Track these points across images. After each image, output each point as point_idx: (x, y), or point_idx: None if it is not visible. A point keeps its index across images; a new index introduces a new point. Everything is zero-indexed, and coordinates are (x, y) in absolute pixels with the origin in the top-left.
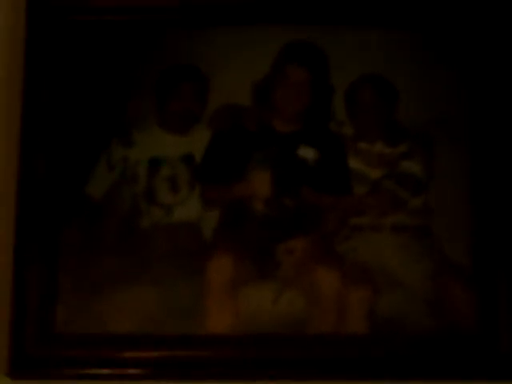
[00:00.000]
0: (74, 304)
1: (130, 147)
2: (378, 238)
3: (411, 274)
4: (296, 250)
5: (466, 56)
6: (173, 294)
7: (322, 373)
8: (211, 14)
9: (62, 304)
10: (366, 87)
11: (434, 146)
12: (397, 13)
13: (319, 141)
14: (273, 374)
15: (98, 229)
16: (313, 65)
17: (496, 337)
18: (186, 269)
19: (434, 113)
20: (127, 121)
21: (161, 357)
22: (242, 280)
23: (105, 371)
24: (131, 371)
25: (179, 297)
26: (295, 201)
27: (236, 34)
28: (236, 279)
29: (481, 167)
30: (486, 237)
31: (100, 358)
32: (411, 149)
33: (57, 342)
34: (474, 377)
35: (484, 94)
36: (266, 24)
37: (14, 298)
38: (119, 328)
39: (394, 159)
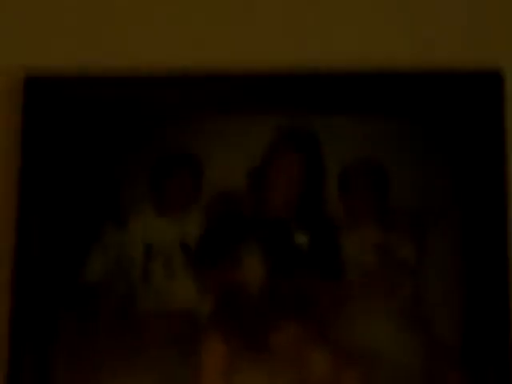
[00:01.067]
0: None
1: (124, 232)
2: (370, 324)
3: (404, 359)
4: (289, 335)
5: (460, 149)
6: (167, 380)
7: None
8: (206, 101)
9: None
10: (360, 174)
11: (426, 234)
12: (393, 102)
13: (312, 226)
14: None
15: (94, 315)
16: (306, 151)
17: None
18: (181, 354)
19: (426, 202)
20: (122, 206)
21: None
22: (236, 365)
23: None
24: None
25: (174, 383)
26: (288, 286)
27: (230, 121)
28: (230, 365)
29: (472, 254)
30: (477, 321)
31: None
32: (403, 236)
33: None
34: None
35: (477, 187)
36: (261, 111)
37: None
38: None
39: (386, 244)
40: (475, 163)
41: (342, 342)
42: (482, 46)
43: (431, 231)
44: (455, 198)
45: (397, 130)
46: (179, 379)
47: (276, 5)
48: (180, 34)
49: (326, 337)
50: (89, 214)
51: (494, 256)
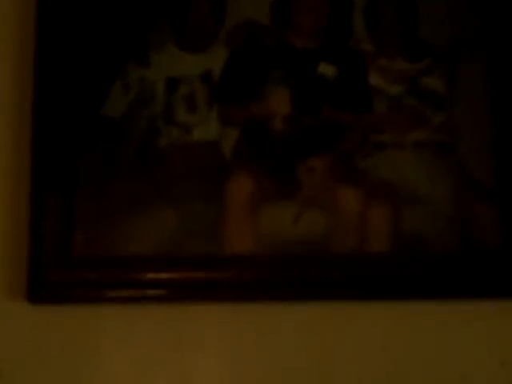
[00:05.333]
0: (92, 227)
1: (146, 67)
2: (399, 156)
3: (434, 191)
4: (316, 168)
5: None
6: (192, 215)
7: (344, 293)
8: None
9: (80, 227)
10: (386, 2)
11: (457, 63)
12: None
13: (339, 57)
14: (293, 295)
15: (116, 150)
16: None
17: None
18: (206, 189)
19: (455, 32)
20: (144, 41)
21: (180, 278)
22: (262, 199)
23: (124, 293)
24: (151, 292)
25: (199, 217)
26: (315, 119)
27: None
28: (256, 199)
29: (504, 83)
30: (510, 154)
31: (119, 280)
32: (433, 65)
33: (75, 265)
34: (498, 294)
35: (505, 18)
36: None
37: (31, 222)
38: (138, 250)
39: (414, 75)
40: None
41: (371, 176)
42: None
43: (460, 61)
44: (484, 28)
45: None
46: (204, 214)
47: None
48: None
49: (355, 170)
50: (111, 50)
51: None
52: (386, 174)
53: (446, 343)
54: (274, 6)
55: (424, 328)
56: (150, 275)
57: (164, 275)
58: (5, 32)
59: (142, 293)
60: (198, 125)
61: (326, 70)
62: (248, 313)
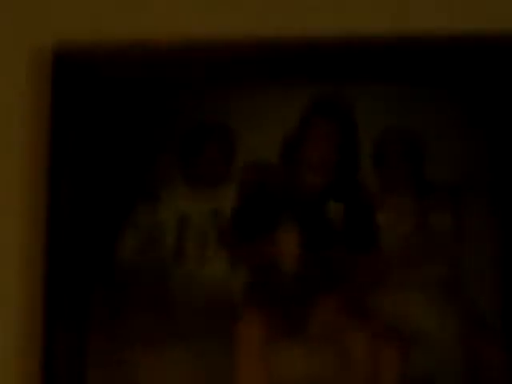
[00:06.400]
0: (104, 365)
1: (156, 207)
2: (407, 295)
3: (441, 332)
4: (326, 310)
5: (492, 115)
6: (203, 356)
7: None
8: (236, 72)
9: (92, 366)
10: (393, 141)
11: (463, 205)
12: (424, 70)
13: (347, 196)
14: None
15: (127, 290)
16: (340, 122)
17: None
18: (215, 329)
19: (462, 173)
20: (153, 181)
21: None
22: (272, 340)
23: None
24: None
25: (209, 358)
26: (324, 259)
27: (262, 91)
28: (266, 340)
29: (508, 219)
30: None
31: None
32: (439, 203)
33: None
34: None
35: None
36: (291, 80)
37: (43, 365)
38: None
39: (421, 213)
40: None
41: (380, 315)
42: None
43: (468, 203)
44: (491, 169)
45: (434, 101)
46: (214, 354)
47: None
48: (208, 5)
49: (364, 312)
50: (120, 191)
51: None
52: (394, 312)
53: None
54: (284, 145)
55: None
56: None
57: None
58: (18, 172)
59: None
60: (207, 263)
61: (335, 209)
62: None
